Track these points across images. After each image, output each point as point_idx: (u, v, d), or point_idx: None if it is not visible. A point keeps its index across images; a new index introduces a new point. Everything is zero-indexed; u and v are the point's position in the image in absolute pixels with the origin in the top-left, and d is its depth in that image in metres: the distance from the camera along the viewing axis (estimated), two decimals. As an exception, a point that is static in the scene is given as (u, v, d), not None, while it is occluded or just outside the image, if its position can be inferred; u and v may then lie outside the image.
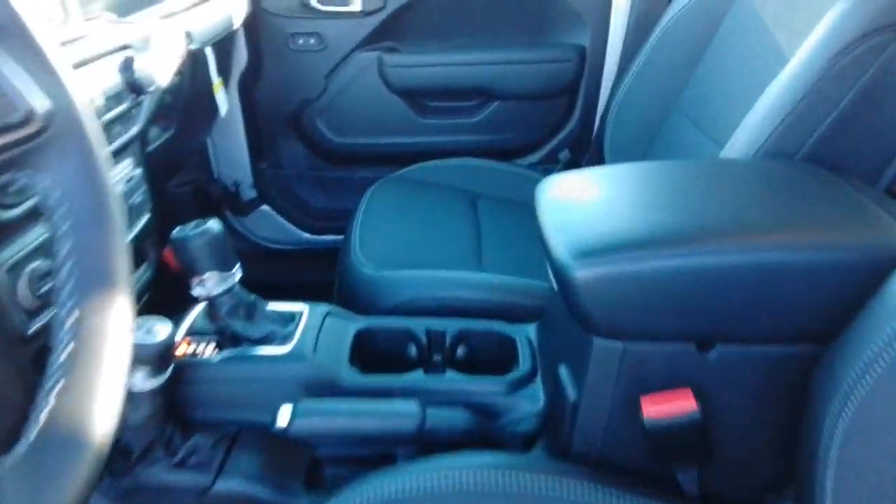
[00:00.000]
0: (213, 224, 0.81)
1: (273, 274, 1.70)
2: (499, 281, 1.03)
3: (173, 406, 0.80)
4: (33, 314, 0.61)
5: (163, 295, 1.00)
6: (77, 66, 0.71)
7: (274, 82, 1.51)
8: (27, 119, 0.37)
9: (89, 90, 0.69)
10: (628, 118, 1.33)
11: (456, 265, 1.07)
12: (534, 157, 1.61)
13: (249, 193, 1.65)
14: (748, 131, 0.87)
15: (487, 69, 1.50)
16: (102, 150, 0.42)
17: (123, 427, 0.73)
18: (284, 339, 0.86)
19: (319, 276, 1.68)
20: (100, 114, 0.70)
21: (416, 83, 1.51)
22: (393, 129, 1.56)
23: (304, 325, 0.88)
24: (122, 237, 0.41)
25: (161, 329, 0.72)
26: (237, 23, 1.24)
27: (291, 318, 0.91)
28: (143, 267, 0.93)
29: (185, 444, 0.77)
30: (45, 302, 0.61)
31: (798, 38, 0.89)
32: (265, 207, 1.67)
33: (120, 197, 0.42)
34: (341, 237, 1.67)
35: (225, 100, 1.32)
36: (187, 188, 1.56)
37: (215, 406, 0.82)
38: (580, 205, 0.74)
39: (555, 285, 0.71)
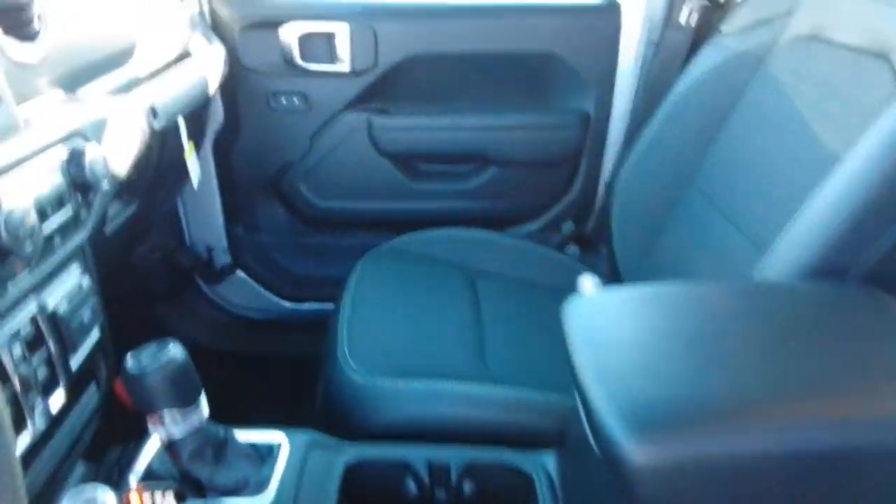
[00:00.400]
0: (174, 350, 0.67)
1: (251, 345, 1.55)
2: (510, 396, 0.90)
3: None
4: None
5: (115, 418, 0.85)
6: (6, 168, 0.57)
7: (252, 143, 1.38)
8: None
9: (18, 201, 0.54)
10: (637, 189, 1.23)
11: (459, 370, 0.93)
12: (533, 226, 1.50)
13: (223, 259, 1.51)
14: (795, 241, 0.77)
15: (484, 134, 1.39)
16: None
17: None
18: (259, 487, 0.71)
19: (301, 347, 1.53)
20: (32, 233, 0.56)
21: (407, 147, 1.40)
22: (382, 194, 1.44)
23: (284, 466, 0.74)
24: None
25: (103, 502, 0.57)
26: (213, 88, 1.11)
27: (269, 451, 0.77)
28: (91, 389, 0.77)
29: None
30: None
31: (844, 132, 0.79)
32: (240, 274, 1.52)
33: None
34: (324, 305, 1.53)
35: (197, 166, 1.18)
36: (156, 254, 1.41)
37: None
38: (622, 344, 0.62)
39: (596, 449, 0.58)
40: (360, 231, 1.49)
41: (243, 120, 1.35)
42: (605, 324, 0.66)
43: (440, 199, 1.44)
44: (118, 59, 0.90)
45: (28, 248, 0.55)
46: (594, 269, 1.31)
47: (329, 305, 1.53)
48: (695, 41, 1.24)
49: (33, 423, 0.62)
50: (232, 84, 1.29)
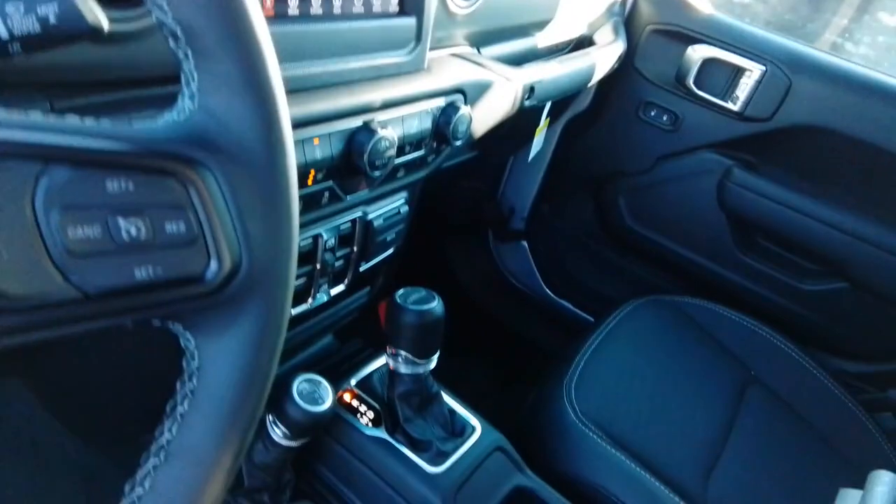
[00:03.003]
0: (436, 308, 0.71)
1: (503, 311, 1.62)
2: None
3: (306, 448, 0.75)
4: None
5: (372, 321, 0.97)
6: (395, 102, 0.65)
7: (598, 140, 1.36)
8: (202, 278, 0.29)
9: (390, 135, 0.62)
10: None
11: (674, 477, 0.83)
12: (850, 367, 1.22)
13: (518, 225, 1.56)
14: None
15: (851, 242, 1.14)
16: (279, 330, 0.32)
17: (248, 459, 0.70)
18: (437, 458, 0.74)
19: (543, 338, 1.55)
20: (386, 164, 0.63)
21: (755, 214, 1.22)
22: (698, 246, 1.31)
23: (465, 452, 0.76)
24: (237, 454, 0.31)
25: (326, 399, 0.65)
26: (595, 81, 1.10)
27: (461, 431, 0.79)
28: (364, 291, 0.89)
29: (290, 504, 0.72)
30: None
31: None
32: (524, 245, 1.57)
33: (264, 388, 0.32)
34: (582, 314, 1.50)
35: (541, 142, 1.22)
36: (466, 193, 1.53)
37: (339, 473, 0.75)
38: None
39: None
40: (658, 269, 1.39)
41: (605, 116, 1.33)
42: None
43: (762, 284, 1.26)
44: (530, 27, 0.95)
45: (377, 174, 0.62)
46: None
47: (586, 317, 1.50)
48: None
49: (313, 299, 0.73)
50: (613, 79, 1.27)
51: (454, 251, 1.63)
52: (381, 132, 0.60)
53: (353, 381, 0.81)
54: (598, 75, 1.09)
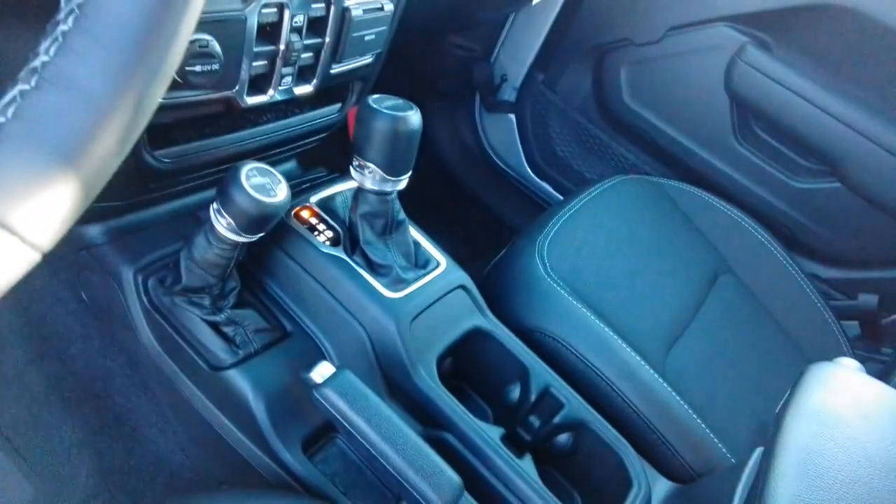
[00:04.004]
0: (413, 116, 0.63)
1: (475, 182, 1.54)
2: (665, 402, 0.75)
3: (255, 261, 0.69)
4: None
5: (339, 148, 0.88)
6: None
7: (608, 3, 1.24)
8: None
9: None
10: None
11: (636, 341, 0.80)
12: (825, 272, 1.20)
13: (508, 95, 1.46)
14: None
15: (857, 140, 1.08)
16: None
17: (188, 254, 0.63)
18: (397, 284, 0.69)
19: (515, 215, 1.50)
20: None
21: (759, 99, 1.15)
22: (696, 131, 1.24)
23: (427, 283, 0.71)
24: (138, 102, 0.23)
25: (278, 193, 0.58)
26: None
27: (424, 264, 0.74)
28: (334, 108, 0.79)
29: (233, 311, 0.66)
30: None
31: None
32: (511, 118, 1.47)
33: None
34: (555, 192, 1.44)
35: (547, -12, 1.10)
36: (460, 52, 1.40)
37: (289, 289, 0.70)
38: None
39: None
40: (647, 153, 1.32)
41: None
42: (849, 427, 0.48)
43: (752, 177, 1.20)
44: None
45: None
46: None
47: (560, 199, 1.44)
48: None
49: (274, 90, 0.64)
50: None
51: (436, 117, 1.52)
52: None
53: (312, 199, 0.74)
54: None
